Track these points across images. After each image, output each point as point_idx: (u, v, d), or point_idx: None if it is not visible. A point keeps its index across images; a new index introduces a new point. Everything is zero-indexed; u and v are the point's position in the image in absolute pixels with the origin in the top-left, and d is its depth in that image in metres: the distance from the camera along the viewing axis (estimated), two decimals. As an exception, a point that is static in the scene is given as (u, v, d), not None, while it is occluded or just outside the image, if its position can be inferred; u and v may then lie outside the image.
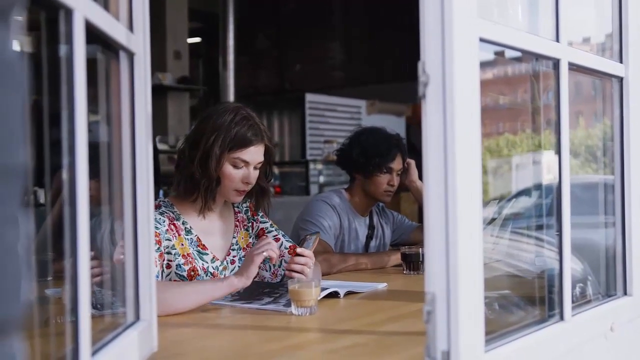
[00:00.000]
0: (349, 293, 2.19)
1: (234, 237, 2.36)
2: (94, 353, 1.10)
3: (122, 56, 1.34)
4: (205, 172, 2.17)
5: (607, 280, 1.88)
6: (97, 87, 1.33)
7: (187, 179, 2.21)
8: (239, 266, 2.31)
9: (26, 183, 0.64)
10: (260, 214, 2.45)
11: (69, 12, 1.00)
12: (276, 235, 2.41)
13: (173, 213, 2.23)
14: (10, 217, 0.59)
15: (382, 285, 2.36)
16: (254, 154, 2.22)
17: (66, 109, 1.01)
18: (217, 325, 1.82)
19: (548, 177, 1.93)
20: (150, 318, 1.40)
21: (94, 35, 1.12)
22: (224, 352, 1.60)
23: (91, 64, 1.09)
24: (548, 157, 1.89)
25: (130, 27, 1.36)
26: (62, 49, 1.02)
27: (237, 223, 2.39)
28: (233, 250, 2.35)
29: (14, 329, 0.59)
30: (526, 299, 1.74)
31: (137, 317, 1.38)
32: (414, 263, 2.66)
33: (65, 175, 1.01)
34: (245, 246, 2.38)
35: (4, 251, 0.58)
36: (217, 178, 2.20)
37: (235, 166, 2.20)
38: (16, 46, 0.62)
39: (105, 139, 1.39)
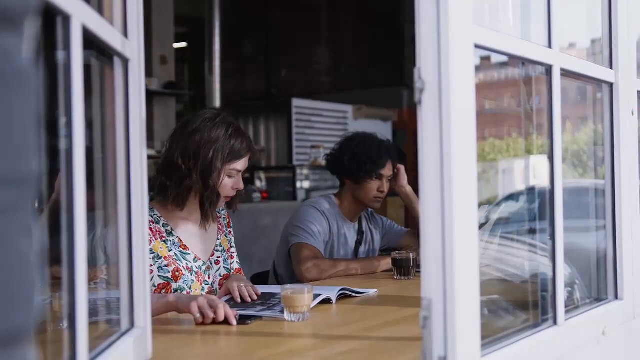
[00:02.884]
0: (342, 296, 2.20)
1: (218, 239, 2.43)
2: (91, 361, 1.09)
3: (117, 62, 1.34)
4: (207, 185, 2.24)
5: (598, 284, 1.89)
6: (91, 93, 1.32)
7: (185, 191, 2.26)
8: (224, 267, 2.40)
9: (36, 192, 0.63)
10: (232, 227, 2.55)
11: (66, 18, 0.99)
12: (234, 252, 2.51)
13: (152, 216, 2.27)
14: (24, 226, 0.59)
15: (373, 291, 2.36)
16: (245, 162, 2.33)
17: (64, 115, 1.01)
18: (211, 332, 1.81)
19: (535, 182, 1.94)
20: (144, 325, 1.39)
21: (89, 41, 1.11)
22: (219, 359, 1.59)
23: (85, 70, 1.08)
24: (535, 162, 1.90)
25: (125, 33, 1.35)
26: (60, 55, 1.01)
27: (220, 227, 2.47)
28: (217, 251, 2.41)
29: (28, 337, 0.59)
30: (517, 304, 1.75)
31: (132, 325, 1.37)
32: (404, 268, 2.67)
33: (62, 181, 1.01)
34: (226, 249, 2.46)
35: (18, 260, 0.58)
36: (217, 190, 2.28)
37: (230, 176, 2.29)
38: (29, 54, 0.62)
39: (99, 144, 1.39)
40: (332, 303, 2.13)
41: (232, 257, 2.49)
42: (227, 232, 2.50)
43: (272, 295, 2.21)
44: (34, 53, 0.64)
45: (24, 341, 0.59)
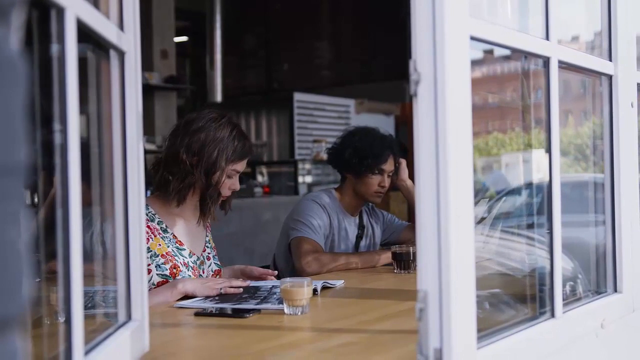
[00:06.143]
0: (324, 288, 2.25)
1: (207, 236, 2.49)
2: (87, 353, 1.09)
3: (113, 55, 1.34)
4: (209, 183, 2.29)
5: (597, 277, 1.89)
6: (87, 87, 1.32)
7: (187, 187, 2.29)
8: (215, 263, 2.46)
9: (26, 181, 0.64)
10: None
11: (60, 11, 0.99)
12: (214, 253, 2.54)
13: (147, 214, 2.28)
14: (12, 215, 0.59)
15: (339, 283, 2.39)
16: (244, 164, 2.39)
17: (58, 109, 1.01)
18: (209, 325, 1.81)
19: (537, 176, 1.94)
20: (142, 318, 1.39)
21: (84, 34, 1.11)
22: (216, 352, 1.59)
23: (80, 63, 1.08)
24: (537, 156, 1.90)
25: (121, 25, 1.35)
26: (54, 48, 1.01)
27: (208, 224, 2.51)
28: (208, 247, 2.47)
29: (15, 326, 0.60)
30: (517, 297, 1.75)
31: (129, 317, 1.37)
32: (404, 262, 2.67)
33: (57, 176, 1.01)
34: (213, 246, 2.52)
35: (6, 248, 0.58)
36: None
37: (229, 176, 2.34)
38: (16, 45, 0.62)
39: (95, 139, 1.39)
40: (317, 294, 2.15)
41: (208, 259, 2.51)
42: (210, 231, 2.56)
43: (258, 288, 2.22)
44: (21, 44, 0.64)
45: (12, 329, 0.59)
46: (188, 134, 2.29)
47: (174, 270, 2.25)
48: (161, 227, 2.31)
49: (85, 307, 1.14)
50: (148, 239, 2.23)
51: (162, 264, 2.24)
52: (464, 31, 1.21)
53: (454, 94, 1.17)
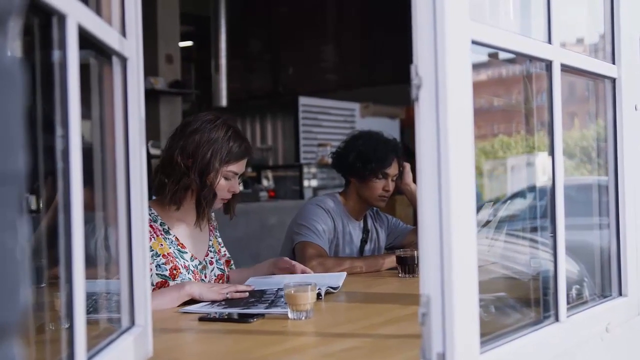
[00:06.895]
0: (327, 293, 2.24)
1: (210, 240, 2.48)
2: (90, 358, 1.10)
3: (115, 61, 1.34)
4: (204, 184, 2.28)
5: (602, 281, 1.89)
6: (89, 93, 1.32)
7: (182, 189, 2.29)
8: (217, 267, 2.45)
9: (24, 189, 0.64)
10: (217, 230, 2.59)
11: (62, 18, 1.00)
12: (225, 251, 2.57)
13: (150, 215, 2.29)
14: (9, 222, 0.60)
15: (342, 275, 2.43)
16: (242, 166, 2.37)
17: (59, 115, 1.01)
18: (213, 331, 1.81)
19: (543, 179, 1.93)
20: (145, 323, 1.39)
21: (86, 40, 1.11)
22: (220, 357, 1.59)
23: (83, 69, 1.09)
24: (542, 159, 1.89)
25: (123, 32, 1.35)
26: (55, 54, 1.02)
27: (211, 228, 2.51)
28: (211, 251, 2.46)
29: (13, 333, 0.60)
30: (522, 301, 1.75)
31: (132, 323, 1.38)
32: (409, 266, 2.66)
33: (59, 181, 1.01)
34: (217, 250, 2.50)
35: (3, 256, 0.58)
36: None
37: (226, 178, 2.33)
38: (14, 52, 0.63)
39: (98, 144, 1.39)
40: (321, 299, 2.13)
41: (221, 258, 2.51)
42: (216, 234, 2.55)
43: (264, 292, 2.22)
44: (19, 52, 0.65)
45: (11, 336, 0.59)
46: (184, 136, 2.30)
47: (174, 272, 2.25)
48: (163, 229, 2.31)
49: (88, 312, 1.14)
50: (150, 238, 2.23)
51: (163, 264, 2.24)
52: (464, 35, 1.21)
53: (455, 97, 1.17)
